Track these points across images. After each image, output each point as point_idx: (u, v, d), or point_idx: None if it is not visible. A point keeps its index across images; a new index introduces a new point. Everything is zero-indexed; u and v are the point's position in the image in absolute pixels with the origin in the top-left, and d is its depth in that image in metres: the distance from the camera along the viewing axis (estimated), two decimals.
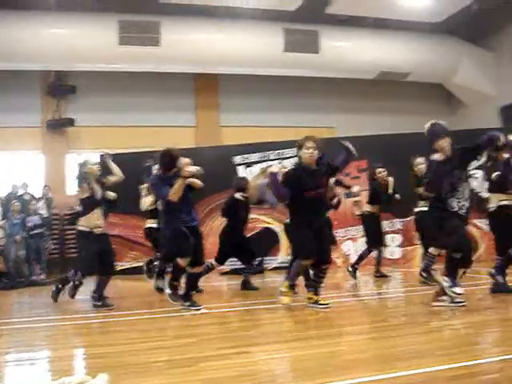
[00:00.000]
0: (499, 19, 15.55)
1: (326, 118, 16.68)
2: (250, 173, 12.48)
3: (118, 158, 12.89)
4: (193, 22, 14.38)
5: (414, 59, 15.83)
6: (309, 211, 6.21)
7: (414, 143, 11.59)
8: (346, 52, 15.38)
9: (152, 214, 8.98)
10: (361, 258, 9.37)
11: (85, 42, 13.38)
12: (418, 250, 11.51)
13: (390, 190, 9.00)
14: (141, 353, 4.37)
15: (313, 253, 6.22)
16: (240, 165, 12.81)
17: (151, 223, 9.11)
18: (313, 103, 16.82)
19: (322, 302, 6.24)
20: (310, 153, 6.17)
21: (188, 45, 14.23)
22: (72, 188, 14.80)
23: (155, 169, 12.97)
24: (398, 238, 11.72)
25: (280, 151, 12.77)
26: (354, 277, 9.09)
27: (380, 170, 9.11)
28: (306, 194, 6.16)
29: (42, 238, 12.37)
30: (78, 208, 7.22)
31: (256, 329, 5.57)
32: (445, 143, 6.02)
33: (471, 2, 14.41)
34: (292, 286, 6.44)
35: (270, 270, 11.94)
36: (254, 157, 12.77)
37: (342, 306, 6.76)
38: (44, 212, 12.66)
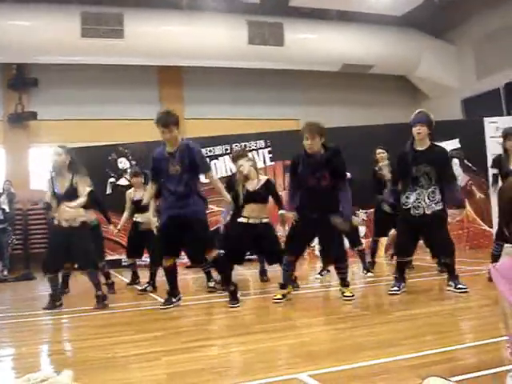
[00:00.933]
0: (461, 13, 15.76)
1: (290, 111, 16.72)
2: (215, 166, 12.49)
3: (82, 152, 12.85)
4: (157, 14, 14.28)
5: (377, 52, 15.94)
6: (307, 201, 6.12)
7: (378, 135, 11.81)
8: (310, 44, 15.41)
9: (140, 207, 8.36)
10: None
11: (47, 34, 13.18)
12: (382, 240, 11.68)
13: None
14: (106, 348, 4.36)
15: (296, 248, 6.33)
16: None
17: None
18: (277, 95, 16.85)
19: (346, 295, 6.25)
20: (307, 144, 6.00)
21: (152, 37, 14.12)
22: (36, 182, 14.71)
23: (120, 162, 13.07)
24: (362, 229, 11.83)
25: (245, 143, 12.79)
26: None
27: (379, 150, 8.74)
28: (304, 181, 6.09)
29: (5, 234, 12.20)
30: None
31: (221, 322, 5.59)
32: (414, 131, 6.13)
33: None
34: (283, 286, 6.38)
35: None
36: (219, 149, 12.76)
37: (306, 298, 6.82)
38: (6, 207, 12.47)
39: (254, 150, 12.71)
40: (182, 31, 14.37)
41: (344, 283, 6.34)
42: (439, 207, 6.09)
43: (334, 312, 5.69)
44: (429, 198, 6.07)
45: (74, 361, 4.02)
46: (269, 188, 7.38)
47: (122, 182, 13.00)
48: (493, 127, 12.19)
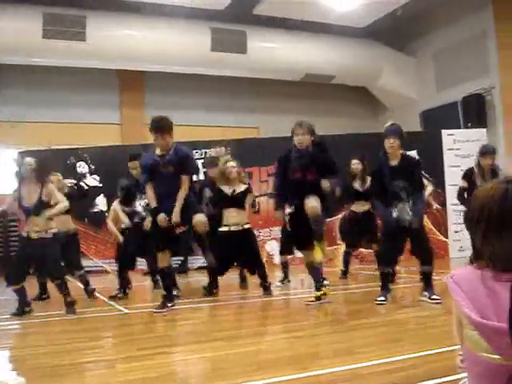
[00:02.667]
0: (421, 26, 16.06)
1: (250, 118, 16.76)
2: None
3: (40, 155, 12.63)
4: (120, 18, 14.17)
5: (338, 62, 16.10)
6: (295, 194, 6.29)
7: (338, 145, 11.90)
8: (273, 53, 15.47)
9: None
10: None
11: (7, 34, 12.94)
12: (340, 249, 11.78)
13: None
14: (59, 354, 4.29)
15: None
16: None
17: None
18: (239, 103, 16.88)
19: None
20: (298, 139, 6.25)
21: (114, 41, 14.00)
22: None
23: (79, 166, 12.92)
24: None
25: (205, 150, 12.76)
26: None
27: (354, 161, 8.82)
28: (292, 175, 6.26)
29: None
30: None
31: (178, 329, 5.56)
32: (387, 143, 6.13)
33: (395, 8, 14.78)
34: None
35: (195, 269, 11.93)
36: None
37: (265, 305, 6.82)
38: None
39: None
40: (145, 36, 14.29)
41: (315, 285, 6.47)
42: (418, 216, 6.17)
43: (292, 320, 5.69)
44: (411, 210, 6.06)
45: (26, 367, 3.94)
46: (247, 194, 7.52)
47: None
48: (450, 139, 12.43)
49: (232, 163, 7.57)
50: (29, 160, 6.53)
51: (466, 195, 7.34)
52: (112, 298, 7.68)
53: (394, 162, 6.15)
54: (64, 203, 6.47)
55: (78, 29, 13.54)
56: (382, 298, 6.22)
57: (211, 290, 7.50)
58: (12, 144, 14.07)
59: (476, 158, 7.42)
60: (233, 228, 7.24)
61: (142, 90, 16.33)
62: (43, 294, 7.86)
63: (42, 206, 6.32)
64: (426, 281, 6.22)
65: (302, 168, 6.20)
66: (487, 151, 7.28)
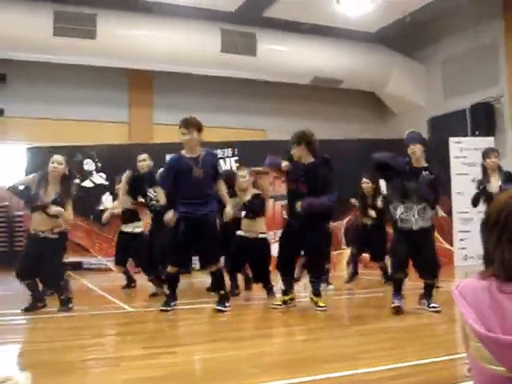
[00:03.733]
0: (431, 33, 16.05)
1: (257, 121, 16.77)
2: None
3: (47, 152, 12.67)
4: (130, 17, 14.21)
5: (347, 67, 16.10)
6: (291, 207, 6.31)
7: (345, 149, 11.92)
8: (282, 56, 15.49)
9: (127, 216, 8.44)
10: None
11: (18, 30, 12.99)
12: (344, 254, 11.78)
13: None
14: (63, 351, 4.31)
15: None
16: None
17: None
18: (246, 105, 16.89)
19: (320, 305, 6.29)
20: (294, 152, 6.27)
21: (124, 40, 14.04)
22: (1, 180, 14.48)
23: (86, 164, 12.95)
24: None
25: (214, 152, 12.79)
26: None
27: (364, 180, 8.82)
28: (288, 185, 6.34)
29: None
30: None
31: (181, 329, 5.57)
32: (409, 150, 6.06)
33: (405, 14, 14.79)
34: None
35: (198, 270, 11.94)
36: None
37: (267, 307, 6.82)
38: None
39: (221, 158, 12.71)
40: (155, 35, 14.32)
41: (315, 293, 6.40)
42: (427, 225, 5.97)
43: (296, 323, 5.70)
44: (418, 214, 5.91)
45: (31, 363, 3.96)
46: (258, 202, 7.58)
47: (87, 183, 12.90)
48: (457, 147, 12.41)
49: (243, 173, 7.67)
50: (59, 158, 6.46)
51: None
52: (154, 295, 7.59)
53: (416, 165, 6.03)
54: (69, 216, 6.36)
55: (88, 27, 13.58)
56: (397, 303, 6.02)
57: (234, 291, 7.57)
58: (20, 140, 14.13)
59: (481, 164, 7.42)
60: (247, 234, 7.45)
61: (150, 89, 16.37)
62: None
63: (56, 205, 6.21)
64: (428, 291, 6.09)
65: (298, 180, 6.25)
66: (488, 150, 7.36)
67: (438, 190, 6.16)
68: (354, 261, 9.18)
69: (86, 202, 12.18)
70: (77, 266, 11.80)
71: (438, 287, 6.40)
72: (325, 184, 6.15)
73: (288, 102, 17.07)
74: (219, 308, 6.10)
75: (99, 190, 12.74)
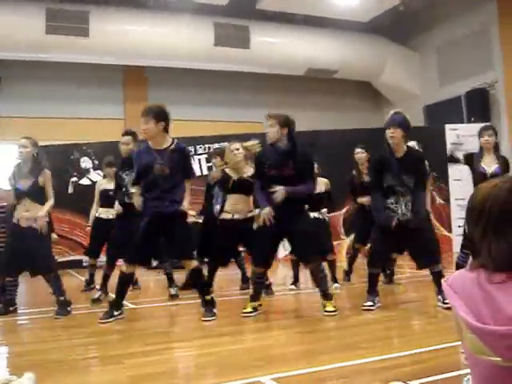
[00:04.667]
0: (424, 21, 16.02)
1: (254, 113, 16.68)
2: None
3: (44, 151, 12.62)
4: (123, 13, 14.17)
5: (341, 57, 16.07)
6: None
7: (341, 139, 11.93)
8: (276, 48, 15.45)
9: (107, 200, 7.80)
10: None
11: (10, 30, 12.95)
12: (344, 244, 11.81)
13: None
14: (66, 350, 4.32)
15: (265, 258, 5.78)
16: None
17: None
18: (242, 98, 16.87)
19: (327, 309, 5.57)
20: (268, 131, 5.67)
21: (117, 36, 14.00)
22: None
23: (83, 161, 12.95)
24: None
25: (209, 145, 12.81)
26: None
27: (358, 150, 8.12)
28: (267, 172, 5.65)
29: None
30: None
31: (184, 324, 5.58)
32: (387, 134, 5.64)
33: (398, 2, 14.76)
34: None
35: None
36: None
37: (268, 302, 6.83)
38: None
39: None
40: (148, 31, 14.29)
41: (323, 294, 5.74)
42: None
43: (295, 316, 5.72)
44: (406, 207, 5.61)
45: (33, 364, 3.97)
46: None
47: (84, 181, 12.90)
48: (453, 134, 12.41)
49: (236, 145, 6.89)
50: (23, 141, 6.29)
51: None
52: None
53: (398, 155, 5.66)
54: (51, 201, 6.16)
55: (80, 24, 13.53)
56: (370, 303, 5.71)
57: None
58: (16, 140, 14.09)
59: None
60: (236, 216, 6.63)
61: (145, 85, 16.34)
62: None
63: (37, 191, 6.07)
64: (438, 282, 5.52)
65: (276, 165, 5.67)
66: (481, 129, 6.79)
67: (421, 172, 5.87)
68: (354, 255, 8.39)
69: (84, 200, 12.17)
70: (77, 264, 11.79)
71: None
72: (309, 170, 5.76)
73: (283, 93, 17.04)
74: (208, 319, 5.45)
75: None
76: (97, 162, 12.90)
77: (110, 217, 7.51)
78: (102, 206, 7.91)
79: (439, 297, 5.56)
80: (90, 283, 8.23)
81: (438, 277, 5.52)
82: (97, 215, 7.96)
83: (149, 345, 4.38)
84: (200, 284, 5.76)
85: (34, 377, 3.06)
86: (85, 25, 13.51)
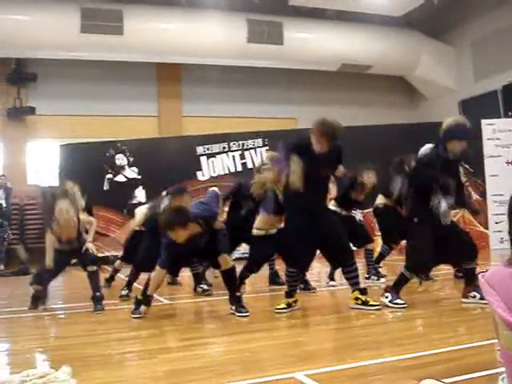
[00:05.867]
0: (459, 14, 15.83)
1: (288, 109, 16.75)
2: (212, 164, 12.54)
3: (79, 148, 12.88)
4: (156, 11, 14.29)
5: (375, 52, 15.97)
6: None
7: (375, 135, 11.87)
8: (309, 44, 15.43)
9: None
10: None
11: (46, 30, 13.18)
12: (378, 241, 11.70)
13: None
14: (102, 344, 4.38)
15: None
16: (202, 155, 12.84)
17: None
18: (276, 94, 16.87)
19: (372, 303, 5.54)
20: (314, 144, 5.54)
21: (151, 34, 14.12)
22: (33, 177, 14.71)
23: (118, 158, 13.09)
24: None
25: (242, 142, 12.84)
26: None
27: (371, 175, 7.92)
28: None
29: (1, 229, 12.21)
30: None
31: (217, 320, 5.60)
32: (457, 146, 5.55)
33: None
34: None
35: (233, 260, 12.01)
36: (216, 147, 12.80)
37: (301, 297, 6.82)
38: (3, 202, 12.47)
39: (251, 148, 12.76)
40: (181, 28, 14.38)
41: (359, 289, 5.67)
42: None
43: (329, 312, 5.70)
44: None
45: (70, 357, 4.03)
46: None
47: (120, 178, 13.04)
48: (490, 129, 12.25)
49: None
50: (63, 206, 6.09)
51: None
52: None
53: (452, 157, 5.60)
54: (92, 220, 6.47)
55: (115, 23, 13.69)
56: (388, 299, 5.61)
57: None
58: (52, 137, 14.33)
59: None
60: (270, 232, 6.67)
61: (179, 82, 16.45)
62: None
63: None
64: (471, 278, 5.48)
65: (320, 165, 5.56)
66: None
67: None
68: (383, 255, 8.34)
69: (119, 197, 12.33)
70: (113, 260, 11.93)
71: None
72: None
73: (317, 89, 17.00)
74: (243, 315, 5.49)
75: (132, 184, 12.87)
76: (132, 159, 13.03)
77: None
78: None
79: (474, 293, 5.50)
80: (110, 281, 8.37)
81: (472, 273, 5.48)
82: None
83: (183, 340, 4.42)
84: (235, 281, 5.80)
85: (70, 370, 3.11)
86: (119, 23, 13.66)
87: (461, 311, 5.32)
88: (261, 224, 6.71)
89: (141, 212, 7.71)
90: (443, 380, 1.88)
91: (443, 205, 5.55)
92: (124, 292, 7.08)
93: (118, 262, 8.32)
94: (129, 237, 7.95)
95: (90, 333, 4.92)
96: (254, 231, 6.73)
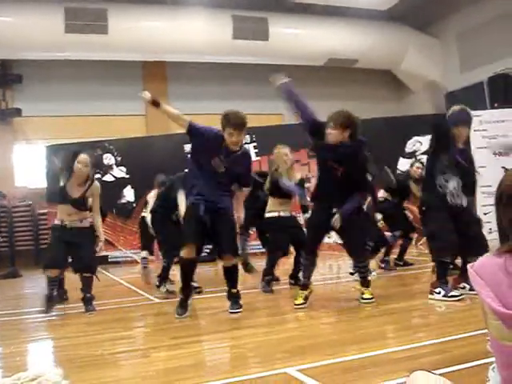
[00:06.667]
0: (445, 6, 15.83)
1: (274, 105, 16.65)
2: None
3: (66, 149, 12.79)
4: (141, 10, 14.20)
5: (361, 46, 15.97)
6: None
7: (363, 129, 11.86)
8: (295, 39, 15.41)
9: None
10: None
11: (30, 30, 13.07)
12: None
13: None
14: (94, 345, 4.37)
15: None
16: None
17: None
18: (262, 90, 16.74)
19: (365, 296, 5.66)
20: (328, 132, 5.65)
21: (136, 32, 14.05)
22: (21, 179, 14.63)
23: (106, 158, 13.05)
24: None
25: None
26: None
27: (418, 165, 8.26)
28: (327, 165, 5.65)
29: None
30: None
31: (208, 317, 5.60)
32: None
33: None
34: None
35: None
36: None
37: (292, 293, 6.83)
38: None
39: None
40: (166, 26, 14.32)
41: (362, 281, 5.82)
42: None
43: (319, 307, 5.70)
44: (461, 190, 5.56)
45: (62, 359, 4.02)
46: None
47: (108, 177, 13.00)
48: (477, 120, 12.26)
49: (285, 151, 7.17)
50: (84, 157, 6.34)
51: None
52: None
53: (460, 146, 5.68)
54: (99, 217, 6.42)
55: (99, 22, 13.60)
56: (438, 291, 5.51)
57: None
58: (39, 139, 14.26)
59: None
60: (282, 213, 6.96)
61: (164, 80, 16.38)
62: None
63: (81, 203, 6.20)
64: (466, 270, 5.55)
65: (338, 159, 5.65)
66: None
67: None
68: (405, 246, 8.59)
69: (108, 196, 12.26)
70: (103, 260, 11.92)
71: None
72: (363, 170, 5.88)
73: (304, 84, 16.74)
74: (235, 311, 5.49)
75: (120, 183, 12.84)
76: (119, 159, 12.99)
77: None
78: None
79: (464, 284, 5.55)
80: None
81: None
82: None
83: (175, 338, 4.42)
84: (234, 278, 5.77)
85: (62, 372, 3.10)
86: (104, 22, 13.57)
87: (450, 303, 5.34)
88: (271, 207, 7.01)
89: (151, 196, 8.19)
90: (434, 371, 1.89)
91: (451, 184, 5.54)
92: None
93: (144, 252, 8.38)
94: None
95: (82, 334, 4.91)
96: (267, 215, 7.01)
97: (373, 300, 5.56)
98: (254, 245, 9.55)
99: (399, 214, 8.46)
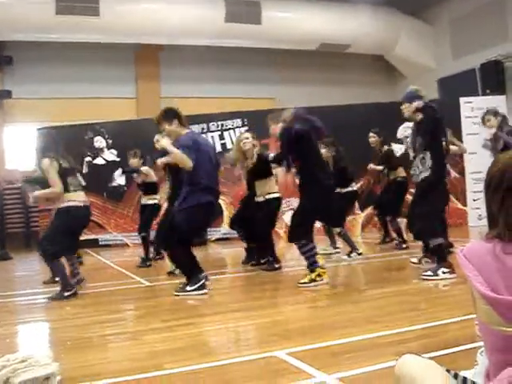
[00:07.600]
0: None
1: (267, 89, 16.68)
2: None
3: (58, 131, 12.73)
4: None
5: (354, 31, 15.92)
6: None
7: (355, 114, 11.87)
8: (288, 23, 15.33)
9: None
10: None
11: (21, 12, 12.93)
12: (358, 219, 11.82)
13: None
14: (84, 327, 4.37)
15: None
16: None
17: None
18: (254, 74, 16.78)
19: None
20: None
21: (128, 15, 13.93)
22: (11, 161, 14.56)
23: (96, 141, 13.00)
24: None
25: (221, 122, 12.80)
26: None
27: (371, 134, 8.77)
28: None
29: None
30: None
31: (197, 301, 5.61)
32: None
33: None
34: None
35: (213, 241, 12.07)
36: (196, 128, 12.71)
37: (280, 277, 6.85)
38: None
39: (230, 128, 12.72)
40: (159, 9, 14.21)
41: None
42: (426, 174, 5.67)
43: (308, 290, 5.72)
44: (421, 164, 5.70)
45: (52, 341, 4.03)
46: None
47: (99, 160, 12.96)
48: (468, 107, 12.31)
49: (246, 135, 7.59)
50: None
51: None
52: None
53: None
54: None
55: (91, 4, 13.48)
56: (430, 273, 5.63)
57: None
58: (29, 121, 14.16)
59: None
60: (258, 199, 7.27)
61: (157, 63, 16.30)
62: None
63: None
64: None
65: None
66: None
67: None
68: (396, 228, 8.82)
69: (99, 179, 12.24)
70: (93, 243, 11.91)
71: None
72: None
73: (296, 69, 16.94)
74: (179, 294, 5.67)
75: (111, 166, 12.79)
76: (110, 141, 12.94)
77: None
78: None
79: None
80: None
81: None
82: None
83: (165, 321, 4.42)
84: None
85: (51, 354, 3.10)
86: (95, 4, 13.44)
87: (439, 287, 5.38)
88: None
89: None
90: (423, 355, 1.90)
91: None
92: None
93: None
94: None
95: (71, 316, 4.91)
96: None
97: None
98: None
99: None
